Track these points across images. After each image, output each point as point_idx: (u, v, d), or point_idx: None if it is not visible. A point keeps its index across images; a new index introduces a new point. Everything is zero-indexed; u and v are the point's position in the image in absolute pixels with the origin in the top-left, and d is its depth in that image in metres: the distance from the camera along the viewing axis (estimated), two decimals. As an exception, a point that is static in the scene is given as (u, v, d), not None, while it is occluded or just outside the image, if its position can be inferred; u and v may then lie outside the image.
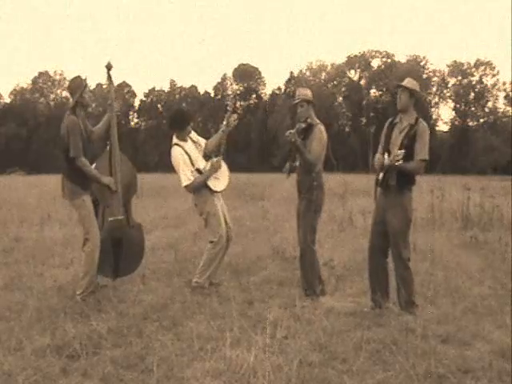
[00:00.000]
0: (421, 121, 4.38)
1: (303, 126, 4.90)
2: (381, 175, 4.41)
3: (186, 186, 5.22)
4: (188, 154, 5.24)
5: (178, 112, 5.71)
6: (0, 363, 3.28)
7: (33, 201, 13.23)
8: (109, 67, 5.04)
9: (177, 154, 5.24)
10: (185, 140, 5.31)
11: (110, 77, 5.06)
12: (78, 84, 4.75)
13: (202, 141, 5.47)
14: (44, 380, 3.11)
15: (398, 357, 3.37)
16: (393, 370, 3.23)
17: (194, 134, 5.43)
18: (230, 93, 70.15)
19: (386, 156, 4.35)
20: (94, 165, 4.91)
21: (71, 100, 4.75)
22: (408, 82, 4.45)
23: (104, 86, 69.59)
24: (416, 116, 4.40)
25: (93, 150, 5.00)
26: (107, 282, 5.13)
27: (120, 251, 5.05)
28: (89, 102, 4.90)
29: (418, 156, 4.28)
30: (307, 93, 5.00)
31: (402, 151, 4.12)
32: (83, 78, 4.79)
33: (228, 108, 5.36)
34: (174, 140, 5.32)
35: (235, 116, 5.39)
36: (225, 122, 5.33)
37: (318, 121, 4.96)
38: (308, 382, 3.08)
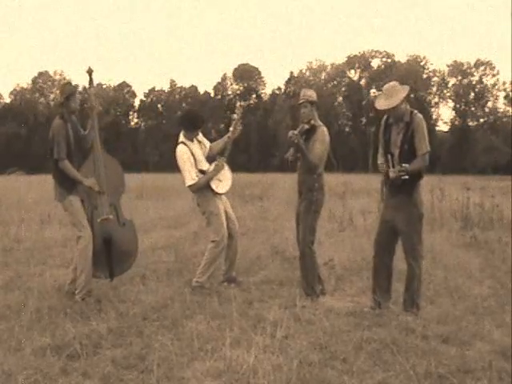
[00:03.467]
0: (415, 114, 4.32)
1: (306, 126, 4.87)
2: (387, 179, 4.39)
3: (189, 186, 5.25)
4: (193, 155, 5.27)
5: (193, 115, 5.58)
6: (0, 363, 3.28)
7: (33, 201, 13.22)
8: (90, 72, 5.14)
9: (183, 153, 5.26)
10: (191, 140, 5.33)
11: (91, 81, 5.19)
12: (66, 90, 4.93)
13: (207, 142, 5.50)
14: (44, 380, 3.11)
15: (398, 357, 3.37)
16: (393, 370, 3.23)
17: (199, 134, 5.44)
18: (229, 93, 70.24)
19: (389, 165, 4.30)
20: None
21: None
22: (388, 95, 4.28)
23: (104, 86, 69.73)
24: (410, 111, 4.34)
25: (83, 155, 5.04)
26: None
27: (112, 250, 5.05)
28: (75, 109, 4.97)
29: (420, 151, 4.27)
30: (312, 94, 4.94)
31: (406, 165, 4.12)
32: (73, 84, 4.91)
33: (235, 116, 5.42)
34: (181, 138, 5.35)
35: (239, 121, 5.42)
36: (231, 129, 5.37)
37: (320, 123, 4.93)
38: (308, 382, 3.08)
